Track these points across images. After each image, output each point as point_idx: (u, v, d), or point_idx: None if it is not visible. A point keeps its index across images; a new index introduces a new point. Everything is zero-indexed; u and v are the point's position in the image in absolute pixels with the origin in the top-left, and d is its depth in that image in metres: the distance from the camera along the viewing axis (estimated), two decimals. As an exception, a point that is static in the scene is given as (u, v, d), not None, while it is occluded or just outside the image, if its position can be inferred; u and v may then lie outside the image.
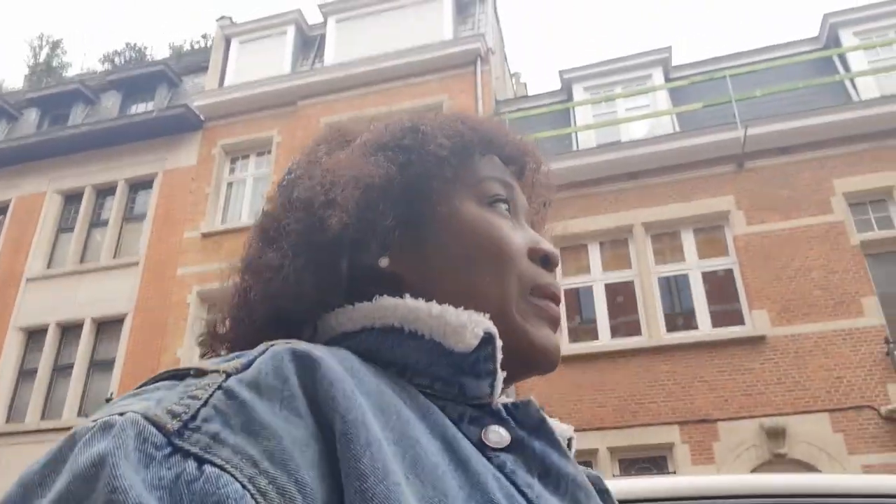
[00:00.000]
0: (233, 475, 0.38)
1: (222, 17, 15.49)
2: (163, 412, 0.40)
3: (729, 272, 10.05)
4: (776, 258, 9.72)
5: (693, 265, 10.19)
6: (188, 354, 11.72)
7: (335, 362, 0.47)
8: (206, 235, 12.73)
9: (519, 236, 0.65)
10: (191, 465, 0.37)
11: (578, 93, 12.11)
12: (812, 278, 9.48)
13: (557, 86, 12.52)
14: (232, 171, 13.77)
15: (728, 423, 8.98)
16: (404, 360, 0.55)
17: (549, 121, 11.95)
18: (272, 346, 0.47)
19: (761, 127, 10.22)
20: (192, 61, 15.69)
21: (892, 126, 10.00)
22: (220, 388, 0.42)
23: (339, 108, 13.07)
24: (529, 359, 0.60)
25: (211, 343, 0.65)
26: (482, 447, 0.52)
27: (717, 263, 10.17)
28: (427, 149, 0.65)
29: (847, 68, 11.06)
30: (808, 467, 8.49)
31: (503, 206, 0.66)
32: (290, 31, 14.85)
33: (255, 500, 0.37)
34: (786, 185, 10.14)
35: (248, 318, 0.61)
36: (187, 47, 16.44)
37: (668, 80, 11.82)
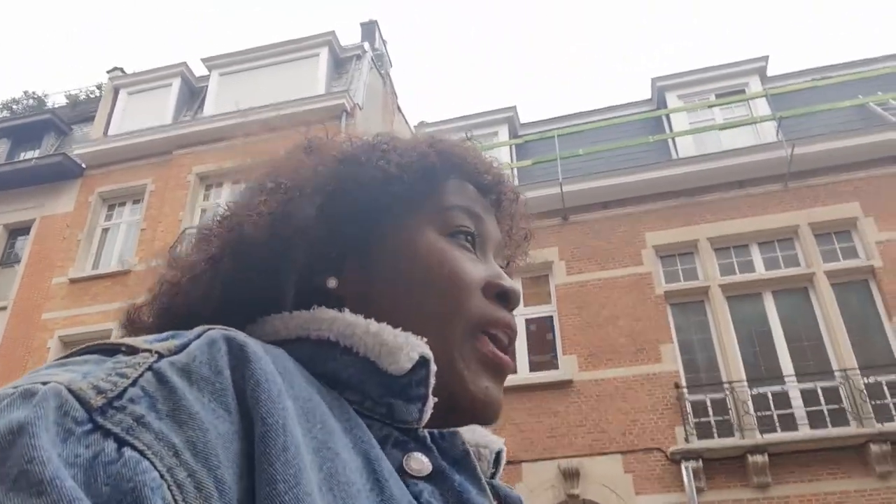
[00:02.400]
0: (152, 462, 0.36)
1: (113, 69, 16.04)
2: (88, 386, 0.39)
3: (549, 319, 10.64)
4: (589, 306, 10.34)
5: (518, 312, 10.74)
6: (45, 398, 11.93)
7: (269, 360, 0.46)
8: (73, 281, 13.04)
9: (477, 269, 0.62)
10: (110, 446, 0.36)
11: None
12: (619, 325, 10.09)
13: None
14: (108, 217, 14.16)
15: (531, 464, 9.45)
16: (336, 374, 0.54)
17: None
18: (209, 329, 0.46)
19: (581, 184, 10.94)
20: (86, 110, 16.17)
21: (704, 184, 10.77)
22: (150, 368, 0.41)
23: (209, 159, 13.58)
24: (465, 407, 0.58)
25: (130, 331, 0.63)
26: (402, 473, 0.51)
27: (540, 311, 10.75)
28: (382, 167, 0.63)
29: (672, 128, 11.88)
30: (599, 507, 8.97)
31: (467, 238, 0.64)
32: (176, 83, 15.42)
33: (170, 491, 0.36)
34: (603, 237, 10.82)
35: (174, 313, 0.60)
36: (83, 96, 16.79)
37: (513, 136, 12.56)
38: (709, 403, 9.43)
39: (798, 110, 11.05)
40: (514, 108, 12.59)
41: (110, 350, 0.43)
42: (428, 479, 0.52)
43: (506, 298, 0.62)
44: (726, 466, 8.84)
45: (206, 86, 15.39)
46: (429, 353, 0.54)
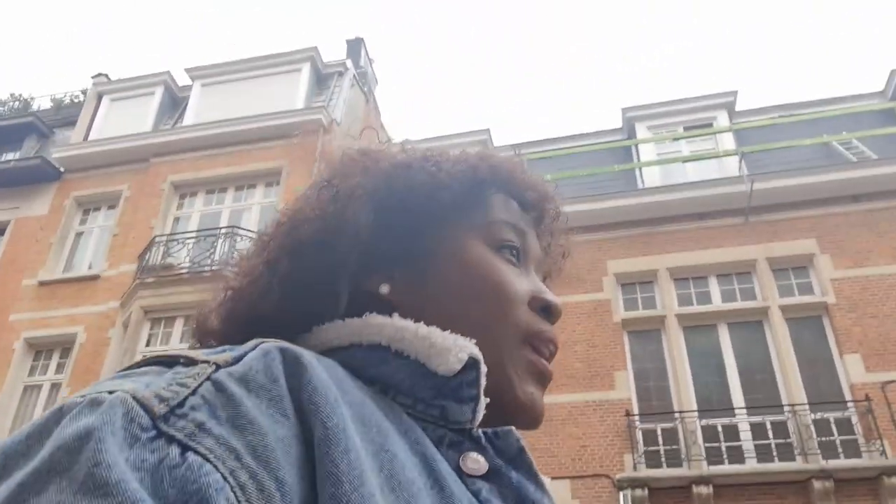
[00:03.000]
0: (215, 465, 0.38)
1: (98, 75, 16.17)
2: (151, 395, 0.40)
3: (508, 342, 10.71)
4: (548, 331, 10.42)
5: (478, 334, 10.83)
6: (6, 401, 11.94)
7: (322, 369, 0.47)
8: (43, 283, 13.08)
9: (523, 284, 0.64)
10: (174, 451, 0.38)
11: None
12: (576, 351, 10.17)
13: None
14: (83, 221, 14.23)
15: (480, 486, 9.46)
16: (388, 378, 0.56)
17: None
18: (263, 342, 0.48)
19: (547, 208, 11.06)
20: (69, 114, 16.27)
21: (666, 214, 10.90)
22: (209, 378, 0.43)
23: (185, 168, 13.72)
24: (510, 411, 0.59)
25: (200, 336, 0.65)
26: (459, 473, 0.51)
27: (500, 333, 10.82)
28: (433, 173, 0.65)
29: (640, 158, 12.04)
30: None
31: (512, 253, 0.66)
32: (159, 91, 15.56)
33: (234, 492, 0.37)
34: (567, 263, 10.90)
35: (238, 318, 0.62)
36: (68, 100, 16.92)
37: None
38: (659, 432, 9.51)
39: (760, 146, 11.22)
40: (487, 131, 12.76)
41: (169, 362, 0.46)
42: (485, 477, 0.53)
43: (549, 312, 0.65)
44: (672, 496, 8.89)
45: (189, 95, 15.53)
46: (478, 354, 0.56)
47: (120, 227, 13.51)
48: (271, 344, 0.47)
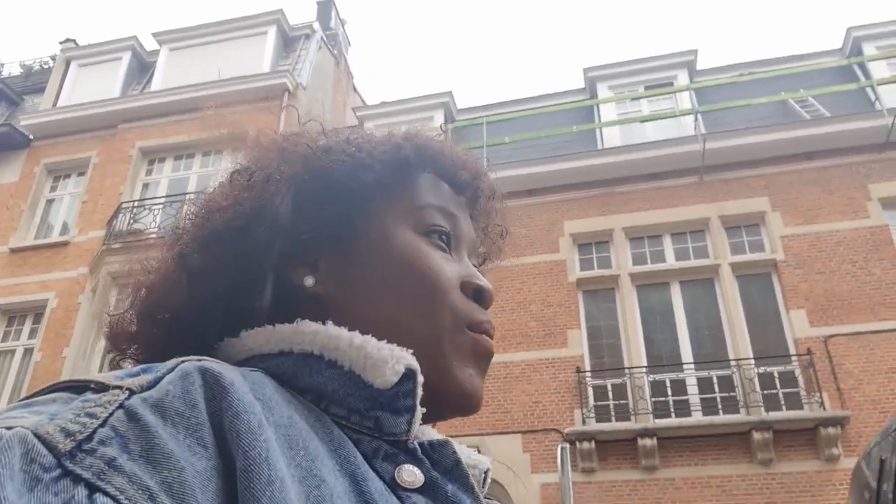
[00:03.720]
0: None
1: (66, 40, 16.09)
2: (55, 429, 0.37)
3: (467, 302, 10.91)
4: (504, 291, 10.59)
5: (437, 295, 11.04)
6: (-20, 365, 12.21)
7: (246, 389, 0.45)
8: (14, 251, 13.24)
9: (452, 268, 0.62)
10: (81, 493, 0.35)
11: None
12: (531, 311, 10.38)
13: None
14: (53, 188, 14.33)
15: (436, 441, 9.76)
16: (321, 388, 0.53)
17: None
18: (182, 362, 0.45)
19: (507, 171, 11.14)
20: (39, 81, 16.22)
21: (623, 175, 11.01)
22: (121, 406, 0.40)
23: (153, 134, 13.76)
24: (451, 399, 0.58)
25: (115, 341, 0.62)
26: (394, 486, 0.50)
27: (459, 294, 11.02)
28: (352, 153, 0.63)
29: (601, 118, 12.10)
30: (496, 484, 9.31)
31: (441, 238, 0.64)
32: (126, 56, 15.50)
33: None
34: (525, 225, 11.05)
35: (152, 317, 0.59)
36: (37, 67, 16.85)
37: (449, 122, 12.76)
38: (609, 388, 9.77)
39: (715, 105, 11.27)
40: (449, 94, 12.77)
41: (79, 387, 0.42)
42: (421, 490, 0.51)
43: (481, 297, 0.62)
44: (618, 449, 9.19)
45: (157, 60, 15.48)
46: (415, 365, 0.54)
47: (89, 193, 13.62)
48: (192, 364, 0.44)
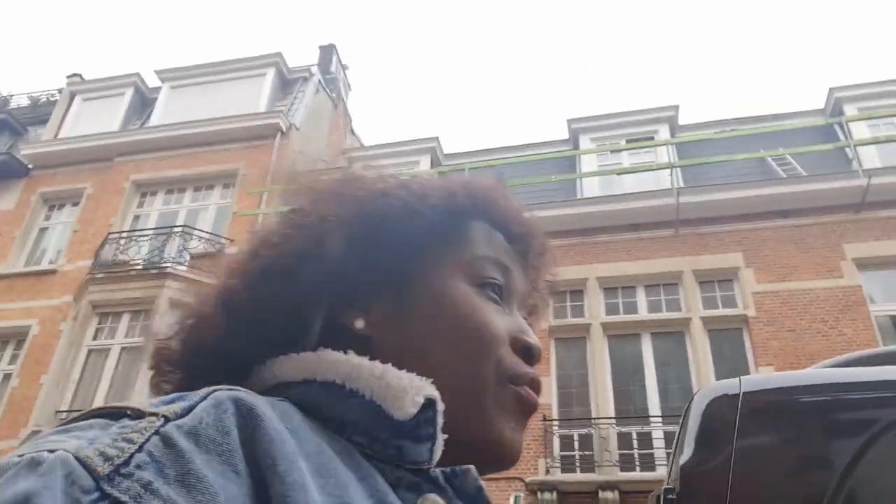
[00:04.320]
0: None
1: (73, 75, 16.59)
2: (95, 453, 0.39)
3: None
4: (477, 336, 10.64)
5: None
6: (-41, 388, 12.29)
7: (277, 419, 0.46)
8: (2, 277, 13.45)
9: (505, 323, 0.62)
10: None
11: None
12: (502, 357, 10.37)
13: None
14: (47, 217, 14.62)
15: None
16: (343, 417, 0.54)
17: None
18: (215, 391, 0.46)
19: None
20: (44, 112, 16.68)
21: (600, 225, 11.10)
22: (157, 433, 0.41)
23: (147, 167, 14.07)
24: (489, 451, 0.58)
25: (158, 365, 0.63)
26: None
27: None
28: (406, 199, 0.63)
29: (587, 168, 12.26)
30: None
31: (495, 290, 0.63)
32: (129, 92, 15.96)
33: None
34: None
35: (195, 346, 0.61)
36: (44, 99, 17.35)
37: (435, 166, 12.97)
38: (576, 438, 9.70)
39: (692, 160, 11.41)
40: (436, 139, 13.00)
41: (116, 414, 0.43)
42: None
43: (530, 354, 0.62)
44: (580, 500, 9.07)
45: (158, 97, 15.91)
46: (434, 395, 0.54)
47: (80, 223, 13.87)
48: (224, 393, 0.46)
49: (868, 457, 1.22)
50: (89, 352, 11.60)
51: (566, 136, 12.84)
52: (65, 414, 10.59)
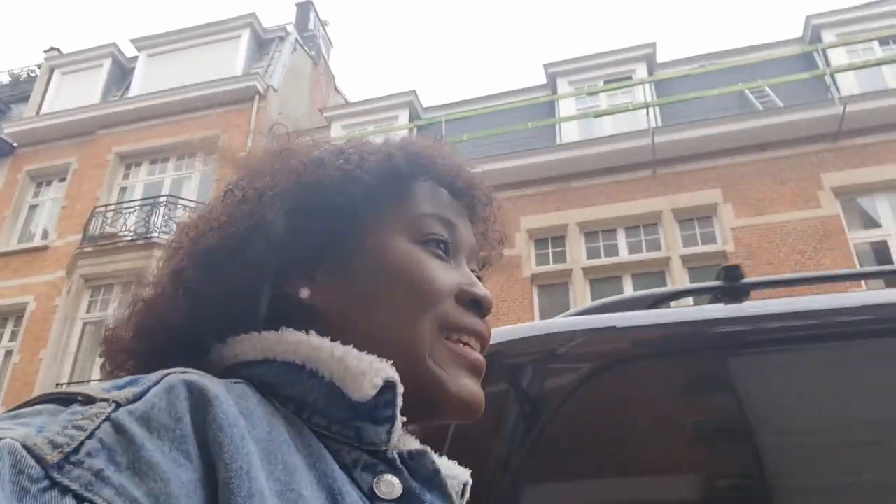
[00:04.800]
0: None
1: (50, 49, 16.47)
2: (43, 441, 0.38)
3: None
4: (460, 287, 10.75)
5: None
6: (-36, 367, 12.62)
7: (231, 402, 0.46)
8: (-4, 255, 13.65)
9: (450, 276, 0.62)
10: (69, 503, 0.36)
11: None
12: (485, 306, 10.49)
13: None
14: (36, 194, 14.73)
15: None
16: (303, 398, 0.54)
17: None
18: (168, 374, 0.46)
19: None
20: (26, 89, 16.64)
21: (578, 170, 11.08)
22: (108, 419, 0.40)
23: (129, 139, 14.09)
24: (445, 408, 0.58)
25: (111, 353, 0.62)
26: (372, 497, 0.51)
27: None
28: (341, 167, 0.63)
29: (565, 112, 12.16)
30: None
31: (439, 246, 0.63)
32: (107, 63, 15.85)
33: None
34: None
35: (149, 331, 0.60)
36: (25, 76, 17.28)
37: (414, 120, 12.90)
38: (560, 381, 9.86)
39: (669, 98, 11.28)
40: (413, 93, 12.88)
41: (66, 399, 0.43)
42: (399, 500, 0.52)
43: (478, 306, 0.62)
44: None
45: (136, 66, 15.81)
46: (394, 377, 0.54)
47: (68, 198, 13.98)
48: (177, 377, 0.45)
49: (565, 408, 1.28)
50: (84, 325, 11.83)
51: (544, 81, 12.69)
52: (65, 386, 10.88)
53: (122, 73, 16.12)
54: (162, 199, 12.72)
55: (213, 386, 0.46)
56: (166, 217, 12.32)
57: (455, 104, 13.13)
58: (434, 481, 0.55)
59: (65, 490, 0.36)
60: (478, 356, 0.61)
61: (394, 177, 0.65)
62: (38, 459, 0.37)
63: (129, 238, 12.39)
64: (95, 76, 15.76)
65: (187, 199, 12.79)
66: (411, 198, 0.65)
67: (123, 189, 13.97)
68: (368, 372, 0.53)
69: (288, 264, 0.61)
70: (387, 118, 12.93)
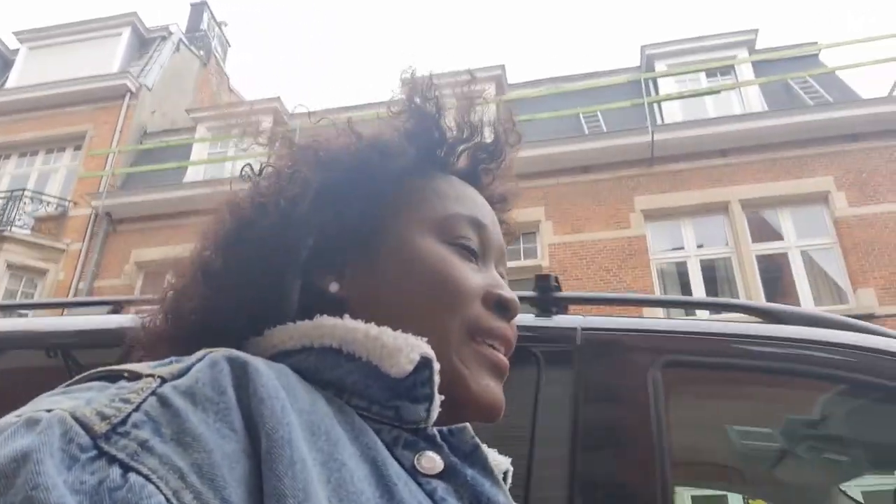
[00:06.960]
0: (157, 486, 0.37)
1: (-67, 37, 16.36)
2: (92, 413, 0.39)
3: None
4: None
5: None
6: None
7: (272, 375, 0.46)
8: None
9: (477, 278, 0.62)
10: (115, 472, 0.37)
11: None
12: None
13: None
14: None
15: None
16: (342, 381, 0.55)
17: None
18: (210, 353, 0.47)
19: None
20: None
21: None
22: (153, 393, 0.42)
23: (1, 131, 14.15)
24: (467, 407, 0.58)
25: (147, 339, 0.63)
26: (414, 473, 0.51)
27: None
28: (376, 159, 0.64)
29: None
30: None
31: (468, 247, 0.63)
32: (-14, 54, 15.84)
33: None
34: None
35: (183, 322, 0.61)
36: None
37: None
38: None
39: (523, 116, 11.89)
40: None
41: (113, 376, 0.44)
42: (440, 476, 0.52)
43: (504, 308, 0.62)
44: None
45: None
46: (430, 353, 0.55)
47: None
48: (219, 353, 0.47)
49: None
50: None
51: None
52: None
53: (3, 64, 16.12)
54: (18, 192, 12.83)
55: (255, 361, 0.47)
56: (21, 211, 12.46)
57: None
58: (474, 456, 0.55)
59: (112, 459, 0.37)
60: (501, 357, 0.61)
61: (421, 168, 0.67)
62: (87, 429, 0.38)
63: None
64: (-27, 66, 15.74)
65: (48, 195, 12.96)
66: (441, 195, 0.65)
67: (-8, 180, 14.02)
68: (405, 348, 0.54)
69: (319, 256, 0.62)
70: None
